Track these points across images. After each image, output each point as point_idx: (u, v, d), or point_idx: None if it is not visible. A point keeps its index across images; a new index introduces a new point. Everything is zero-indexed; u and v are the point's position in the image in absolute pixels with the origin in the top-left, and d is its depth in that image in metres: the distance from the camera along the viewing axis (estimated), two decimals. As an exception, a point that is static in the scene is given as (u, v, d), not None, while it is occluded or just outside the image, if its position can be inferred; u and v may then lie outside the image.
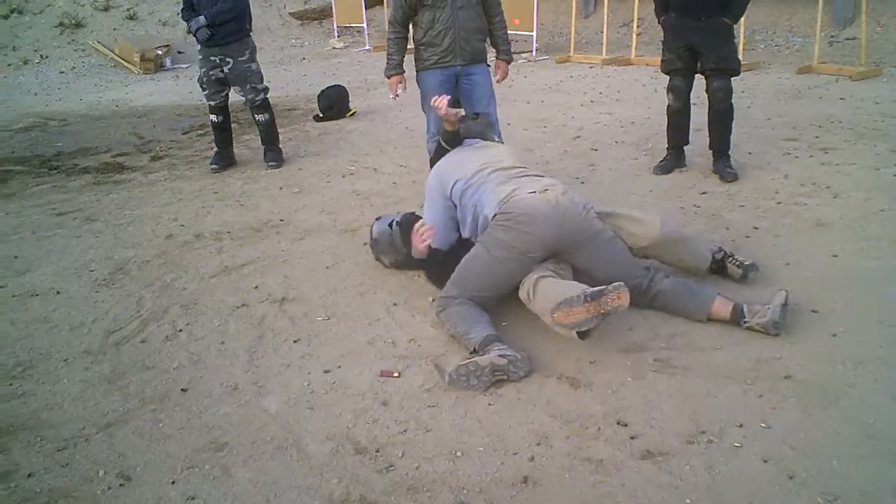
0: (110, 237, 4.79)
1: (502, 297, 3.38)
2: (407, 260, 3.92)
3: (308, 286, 3.94)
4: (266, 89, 6.09)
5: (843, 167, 5.18)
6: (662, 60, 5.23)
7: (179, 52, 12.43)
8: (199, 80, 6.05)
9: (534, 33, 10.82)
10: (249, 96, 5.98)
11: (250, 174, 6.02)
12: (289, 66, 11.65)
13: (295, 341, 3.38)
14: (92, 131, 7.95)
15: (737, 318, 3.19)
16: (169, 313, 3.72)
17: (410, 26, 4.70)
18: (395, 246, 3.94)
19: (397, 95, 4.85)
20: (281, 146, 6.33)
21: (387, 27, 4.72)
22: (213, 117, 6.12)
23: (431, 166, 4.01)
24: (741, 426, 2.59)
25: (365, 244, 4.41)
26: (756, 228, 4.23)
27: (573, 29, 10.81)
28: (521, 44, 11.56)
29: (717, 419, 2.64)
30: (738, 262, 3.61)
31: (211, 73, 5.89)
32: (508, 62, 4.91)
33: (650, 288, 3.37)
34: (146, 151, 6.93)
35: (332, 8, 13.46)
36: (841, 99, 7.21)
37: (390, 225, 3.97)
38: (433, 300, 3.62)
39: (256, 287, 3.96)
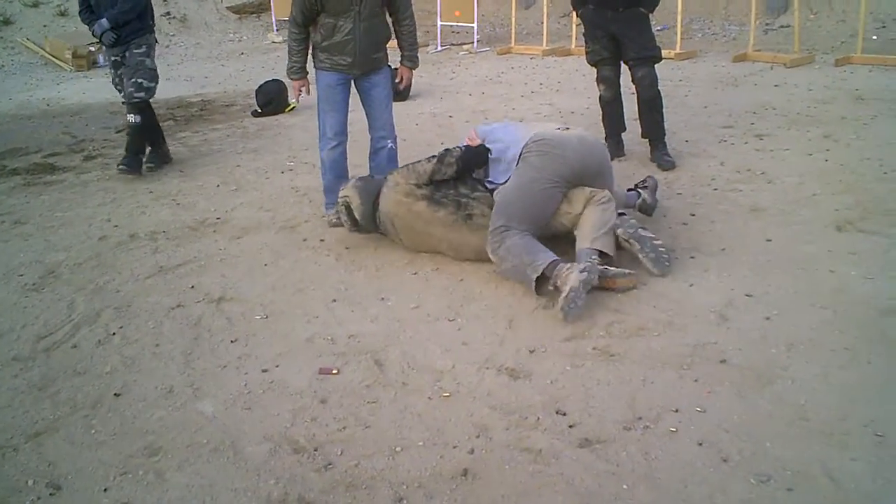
0: (40, 240, 4.64)
1: (539, 229, 3.66)
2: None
3: (246, 285, 3.87)
4: (150, 90, 5.67)
5: (777, 153, 5.29)
6: (587, 52, 5.28)
7: (114, 49, 12.13)
8: (112, 81, 5.85)
9: (475, 25, 10.80)
10: (130, 90, 5.57)
11: (187, 172, 5.89)
12: (226, 62, 11.44)
13: (232, 341, 3.32)
14: (22, 131, 7.69)
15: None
16: (101, 317, 3.62)
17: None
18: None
19: (298, 99, 4.74)
20: (145, 157, 5.92)
21: (288, 25, 4.42)
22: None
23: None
24: (677, 411, 2.62)
25: (305, 240, 4.37)
26: (693, 215, 4.28)
27: (513, 20, 10.83)
28: (462, 35, 11.55)
29: (654, 405, 2.66)
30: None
31: (119, 72, 5.69)
32: (412, 68, 4.66)
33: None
34: (78, 151, 6.73)
35: (269, 1, 13.26)
36: (775, 86, 7.35)
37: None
38: (382, 298, 3.62)
39: (193, 287, 3.88)
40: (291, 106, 7.64)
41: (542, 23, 10.46)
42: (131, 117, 5.69)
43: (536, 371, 2.92)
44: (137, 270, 4.12)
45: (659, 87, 5.13)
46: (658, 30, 9.10)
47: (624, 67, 5.21)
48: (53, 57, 11.62)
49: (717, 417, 2.57)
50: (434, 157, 3.96)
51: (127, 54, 5.59)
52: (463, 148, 4.02)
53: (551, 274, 3.32)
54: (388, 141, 4.59)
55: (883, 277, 3.44)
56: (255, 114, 7.65)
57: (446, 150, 4.01)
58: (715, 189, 4.70)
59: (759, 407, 2.61)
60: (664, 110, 5.25)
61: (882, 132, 5.56)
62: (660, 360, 2.93)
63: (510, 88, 8.21)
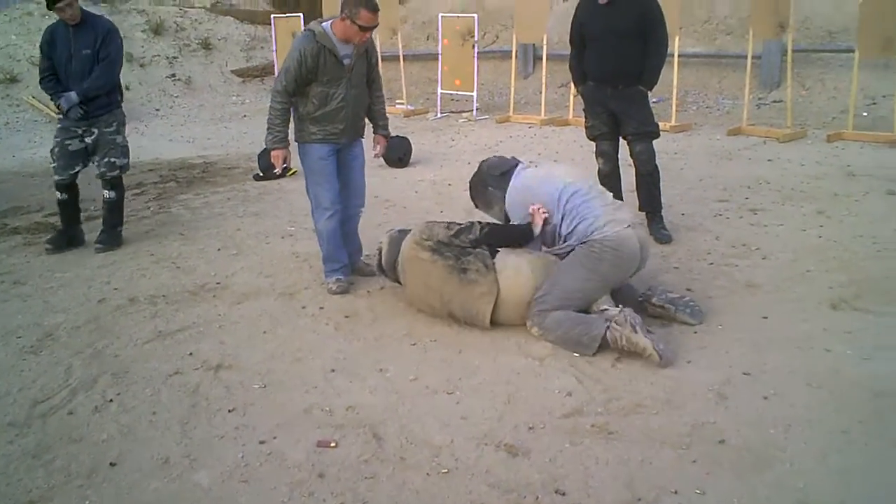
0: (39, 301, 4.65)
1: None
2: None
3: (244, 352, 3.87)
4: (124, 166, 5.66)
5: (771, 228, 5.36)
6: (586, 127, 5.41)
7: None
8: (51, 150, 5.60)
9: (474, 93, 11.00)
10: (102, 169, 5.53)
11: (188, 235, 5.93)
12: (229, 124, 11.60)
13: (230, 411, 3.31)
14: (24, 189, 7.77)
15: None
16: (99, 382, 3.61)
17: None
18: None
19: (284, 169, 4.94)
20: (123, 230, 5.85)
21: (272, 95, 4.44)
22: (58, 195, 5.61)
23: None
24: (676, 493, 2.61)
25: (304, 308, 4.39)
26: (689, 290, 4.32)
27: (512, 89, 11.03)
28: (461, 103, 11.74)
29: (653, 486, 2.66)
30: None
31: (67, 142, 5.44)
32: (387, 136, 4.87)
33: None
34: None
35: (273, 66, 13.52)
36: (769, 160, 7.48)
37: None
38: (381, 369, 3.63)
39: (191, 353, 3.88)
40: (293, 170, 7.72)
41: (541, 92, 10.66)
42: (106, 193, 5.64)
43: (535, 448, 2.92)
44: (136, 335, 4.13)
45: (656, 162, 5.23)
46: (654, 102, 9.27)
47: (622, 141, 5.32)
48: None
49: (716, 500, 2.57)
50: (457, 226, 4.07)
51: (95, 131, 5.45)
52: (488, 228, 4.06)
53: (604, 339, 3.58)
54: (362, 208, 4.82)
55: (878, 358, 3.47)
56: (257, 177, 7.73)
57: (470, 223, 4.11)
58: (711, 264, 4.76)
59: (758, 490, 2.61)
60: (661, 183, 5.34)
61: (874, 209, 5.65)
62: (658, 439, 2.93)
63: (508, 157, 8.31)
